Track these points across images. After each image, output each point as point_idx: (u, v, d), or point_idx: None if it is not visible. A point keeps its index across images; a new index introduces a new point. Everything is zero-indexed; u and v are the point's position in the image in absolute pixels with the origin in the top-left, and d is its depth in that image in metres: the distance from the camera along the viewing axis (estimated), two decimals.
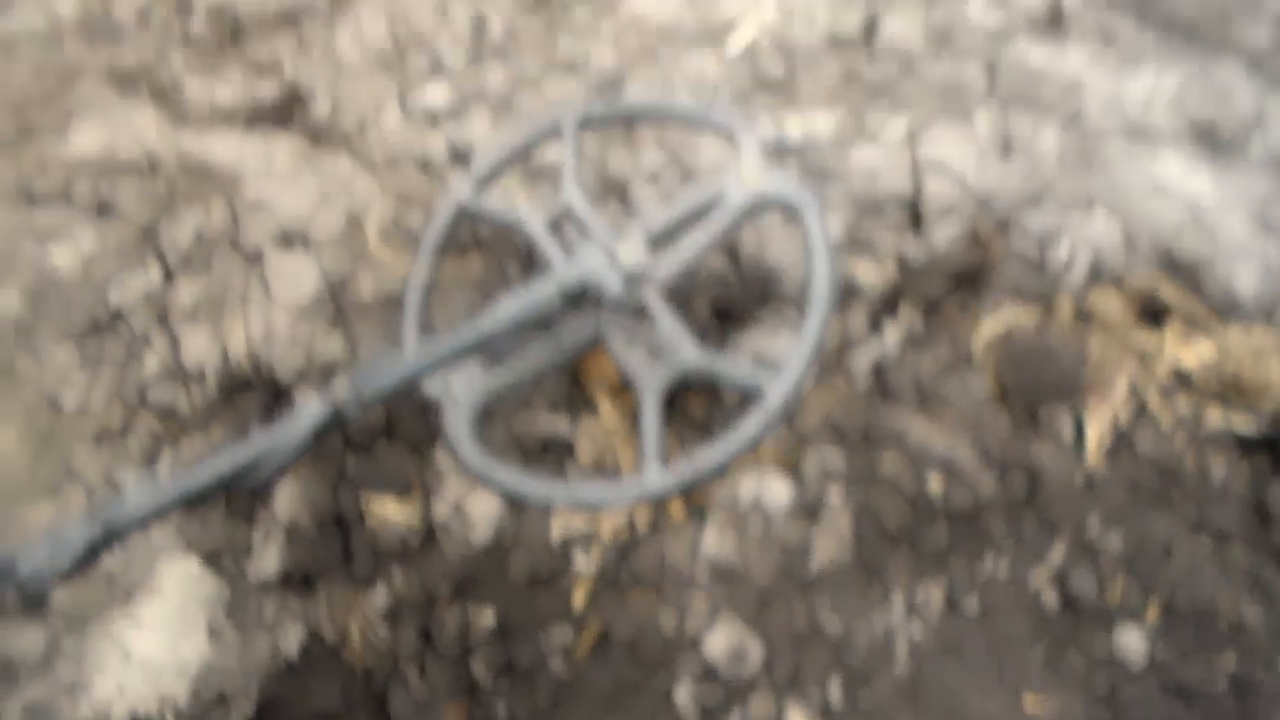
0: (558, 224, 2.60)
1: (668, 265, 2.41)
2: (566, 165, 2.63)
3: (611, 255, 2.36)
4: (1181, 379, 2.59)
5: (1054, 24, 3.35)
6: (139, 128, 3.29)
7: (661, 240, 2.47)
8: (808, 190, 2.38)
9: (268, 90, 3.45)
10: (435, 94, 3.31)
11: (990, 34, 3.28)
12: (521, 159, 2.85)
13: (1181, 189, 2.89)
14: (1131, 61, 3.21)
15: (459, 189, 2.74)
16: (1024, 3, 3.36)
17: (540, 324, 2.42)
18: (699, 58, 3.28)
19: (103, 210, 3.07)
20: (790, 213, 2.41)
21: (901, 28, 3.29)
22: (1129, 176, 2.93)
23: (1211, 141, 3.03)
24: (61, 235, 2.98)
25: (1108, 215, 2.84)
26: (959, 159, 2.96)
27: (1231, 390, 2.56)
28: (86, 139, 3.26)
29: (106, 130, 3.28)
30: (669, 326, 2.33)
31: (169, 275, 2.88)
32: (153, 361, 2.74)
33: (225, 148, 3.13)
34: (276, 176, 2.98)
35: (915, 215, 2.90)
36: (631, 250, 2.35)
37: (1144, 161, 2.96)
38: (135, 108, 3.40)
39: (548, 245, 2.53)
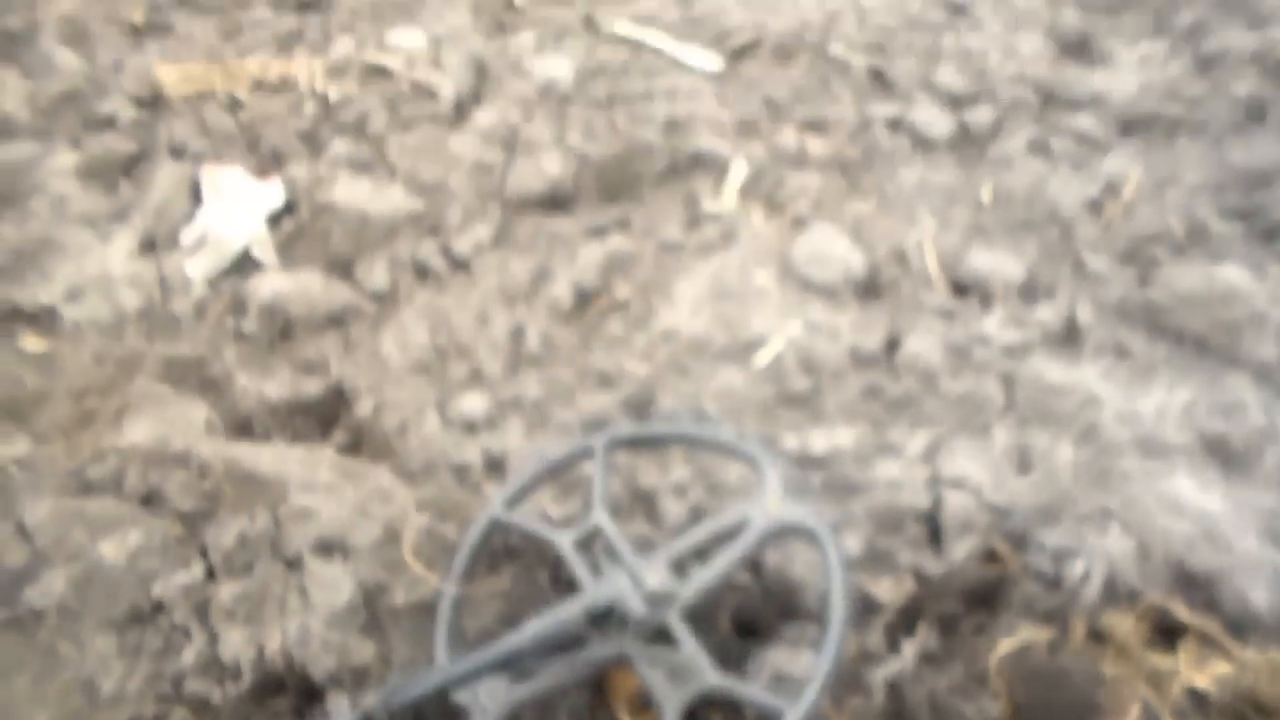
0: (586, 541, 2.71)
1: (691, 589, 2.50)
2: (596, 488, 2.75)
3: (637, 580, 2.46)
4: (1197, 699, 2.61)
5: (1069, 340, 3.47)
6: (190, 424, 3.42)
7: (686, 562, 2.57)
8: (826, 521, 2.49)
9: (313, 388, 3.60)
10: (473, 402, 3.45)
11: (1008, 350, 3.40)
12: (555, 475, 2.98)
13: (1194, 503, 2.95)
14: (1144, 376, 3.31)
15: (493, 505, 2.86)
16: (1040, 320, 3.49)
17: (566, 642, 2.50)
18: (727, 372, 3.41)
19: (150, 501, 3.17)
20: (810, 540, 2.51)
21: (922, 345, 3.42)
22: (1143, 491, 3.00)
23: (1223, 454, 3.10)
24: (110, 527, 3.07)
25: (1122, 531, 2.90)
26: (977, 474, 3.05)
27: (1249, 708, 2.58)
28: (140, 431, 3.38)
29: (160, 424, 3.41)
30: (691, 649, 2.40)
31: (211, 573, 2.97)
32: (190, 655, 2.81)
33: (271, 457, 3.25)
34: (319, 487, 3.09)
35: (934, 530, 2.98)
36: (656, 576, 2.45)
37: (1157, 476, 3.03)
38: (187, 402, 3.54)
39: (576, 565, 2.63)
